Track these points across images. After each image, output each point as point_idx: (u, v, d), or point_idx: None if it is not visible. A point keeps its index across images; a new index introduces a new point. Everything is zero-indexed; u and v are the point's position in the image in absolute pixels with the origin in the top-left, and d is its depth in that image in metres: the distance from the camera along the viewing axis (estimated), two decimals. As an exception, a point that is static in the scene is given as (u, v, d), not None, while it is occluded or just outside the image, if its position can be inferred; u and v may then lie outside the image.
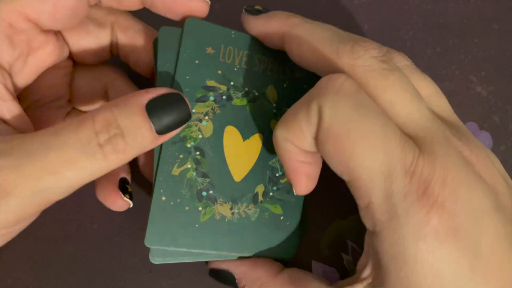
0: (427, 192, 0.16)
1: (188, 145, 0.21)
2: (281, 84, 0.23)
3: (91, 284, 0.25)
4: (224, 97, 0.22)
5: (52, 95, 0.24)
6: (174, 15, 0.22)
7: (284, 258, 0.23)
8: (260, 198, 0.22)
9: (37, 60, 0.21)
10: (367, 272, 0.19)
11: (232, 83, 0.22)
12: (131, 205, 0.23)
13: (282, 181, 0.23)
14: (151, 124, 0.18)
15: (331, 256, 0.25)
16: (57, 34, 0.22)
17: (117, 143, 0.18)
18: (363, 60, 0.18)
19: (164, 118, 0.19)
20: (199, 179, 0.21)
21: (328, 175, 0.25)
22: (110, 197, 0.22)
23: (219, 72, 0.21)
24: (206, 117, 0.21)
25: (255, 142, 0.23)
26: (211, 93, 0.21)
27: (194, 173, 0.21)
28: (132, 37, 0.23)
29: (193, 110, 0.21)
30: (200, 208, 0.21)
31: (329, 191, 0.25)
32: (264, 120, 0.23)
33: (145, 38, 0.23)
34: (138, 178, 0.25)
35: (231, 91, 0.22)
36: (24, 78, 0.21)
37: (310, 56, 0.20)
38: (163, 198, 0.20)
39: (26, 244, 0.25)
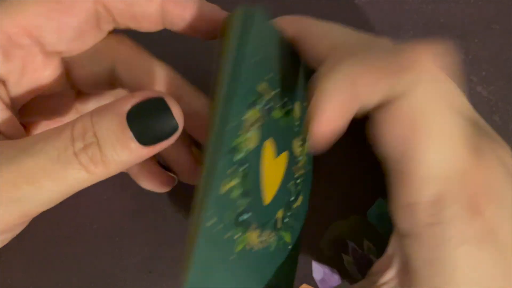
0: (475, 197, 0.16)
1: (237, 158, 0.17)
2: (303, 102, 0.21)
3: (91, 285, 0.25)
4: (268, 105, 0.19)
5: (56, 118, 0.23)
6: (199, 35, 0.20)
7: None
8: (279, 224, 0.20)
9: (32, 81, 0.20)
10: (390, 275, 0.18)
11: (276, 91, 0.19)
12: (177, 180, 0.23)
13: (294, 206, 0.21)
14: (131, 134, 0.16)
15: (331, 257, 0.25)
16: (61, 63, 0.21)
17: (93, 153, 0.16)
18: None
19: (148, 127, 0.17)
20: (240, 200, 0.18)
21: (328, 175, 0.25)
22: (158, 179, 0.22)
23: (270, 76, 0.19)
24: (253, 127, 0.18)
25: (283, 161, 0.20)
26: (260, 100, 0.19)
27: (238, 192, 0.18)
28: (136, 76, 0.21)
29: (244, 118, 0.18)
30: (236, 236, 0.18)
31: (330, 191, 0.25)
32: (289, 137, 0.20)
33: (150, 77, 0.21)
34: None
35: (275, 100, 0.19)
36: (19, 94, 0.20)
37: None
38: (209, 224, 0.16)
39: (26, 244, 0.25)
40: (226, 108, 0.17)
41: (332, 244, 0.25)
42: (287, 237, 0.21)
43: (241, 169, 0.17)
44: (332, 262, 0.25)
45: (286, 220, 0.21)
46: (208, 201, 0.16)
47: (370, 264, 0.24)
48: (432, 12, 0.28)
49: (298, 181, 0.21)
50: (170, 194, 0.26)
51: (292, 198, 0.21)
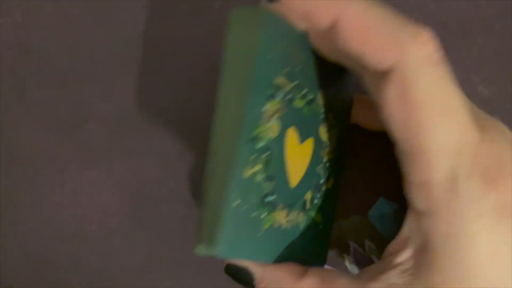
0: (488, 171, 0.16)
1: (258, 146, 0.19)
2: (328, 91, 0.22)
3: (91, 285, 0.25)
4: (288, 96, 0.20)
5: None
6: None
7: (317, 265, 0.23)
8: (308, 205, 0.22)
9: None
10: (405, 255, 0.18)
11: (295, 83, 0.21)
12: None
13: (323, 188, 0.23)
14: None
15: (332, 257, 0.25)
16: None
17: None
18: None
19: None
20: (265, 183, 0.19)
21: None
22: None
23: (288, 69, 0.20)
24: (274, 117, 0.20)
25: (308, 147, 0.22)
26: (279, 92, 0.20)
27: (262, 176, 0.19)
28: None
29: (263, 109, 0.19)
30: (262, 216, 0.19)
31: (331, 191, 0.25)
32: (314, 125, 0.22)
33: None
34: (135, 176, 0.25)
35: (295, 91, 0.21)
36: None
37: None
38: (234, 205, 0.18)
39: (26, 245, 0.25)
40: (243, 102, 0.19)
41: (333, 245, 0.25)
42: (318, 217, 0.22)
43: (263, 155, 0.19)
44: (333, 262, 0.25)
45: (316, 201, 0.22)
46: (231, 185, 0.18)
47: (371, 264, 0.24)
48: (434, 12, 0.28)
49: (328, 164, 0.23)
50: (169, 194, 0.26)
51: (322, 181, 0.23)
